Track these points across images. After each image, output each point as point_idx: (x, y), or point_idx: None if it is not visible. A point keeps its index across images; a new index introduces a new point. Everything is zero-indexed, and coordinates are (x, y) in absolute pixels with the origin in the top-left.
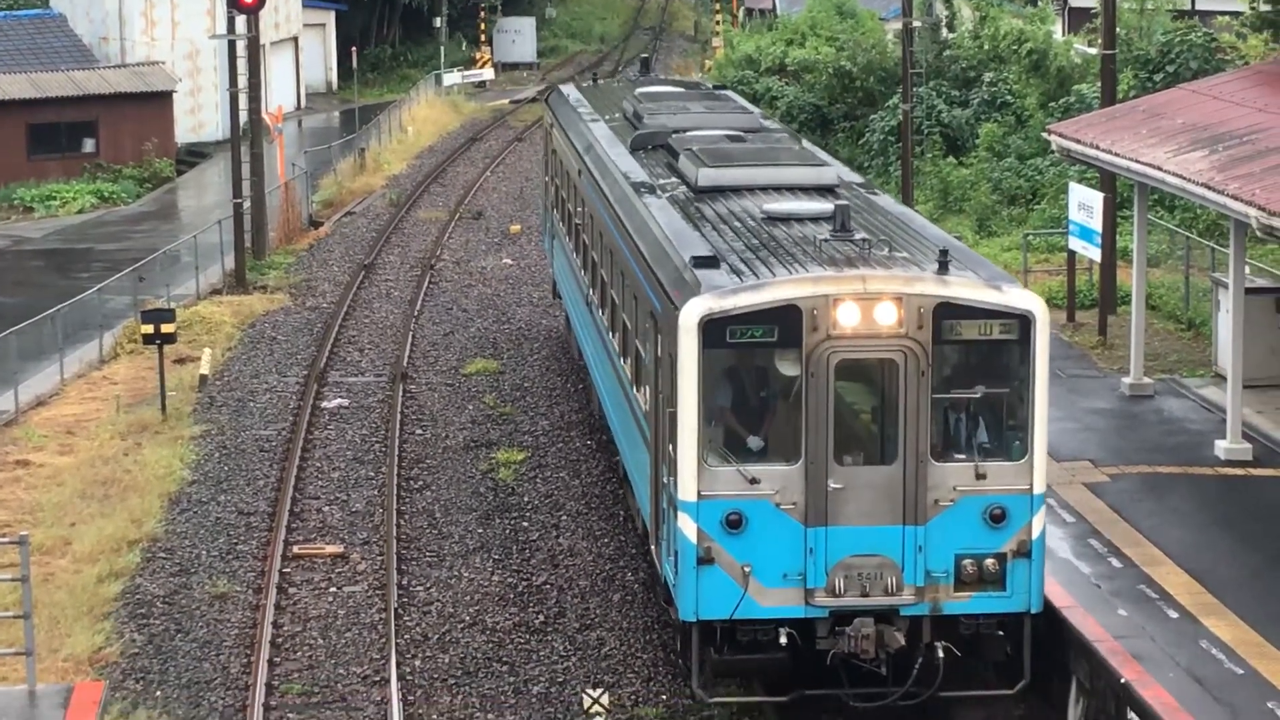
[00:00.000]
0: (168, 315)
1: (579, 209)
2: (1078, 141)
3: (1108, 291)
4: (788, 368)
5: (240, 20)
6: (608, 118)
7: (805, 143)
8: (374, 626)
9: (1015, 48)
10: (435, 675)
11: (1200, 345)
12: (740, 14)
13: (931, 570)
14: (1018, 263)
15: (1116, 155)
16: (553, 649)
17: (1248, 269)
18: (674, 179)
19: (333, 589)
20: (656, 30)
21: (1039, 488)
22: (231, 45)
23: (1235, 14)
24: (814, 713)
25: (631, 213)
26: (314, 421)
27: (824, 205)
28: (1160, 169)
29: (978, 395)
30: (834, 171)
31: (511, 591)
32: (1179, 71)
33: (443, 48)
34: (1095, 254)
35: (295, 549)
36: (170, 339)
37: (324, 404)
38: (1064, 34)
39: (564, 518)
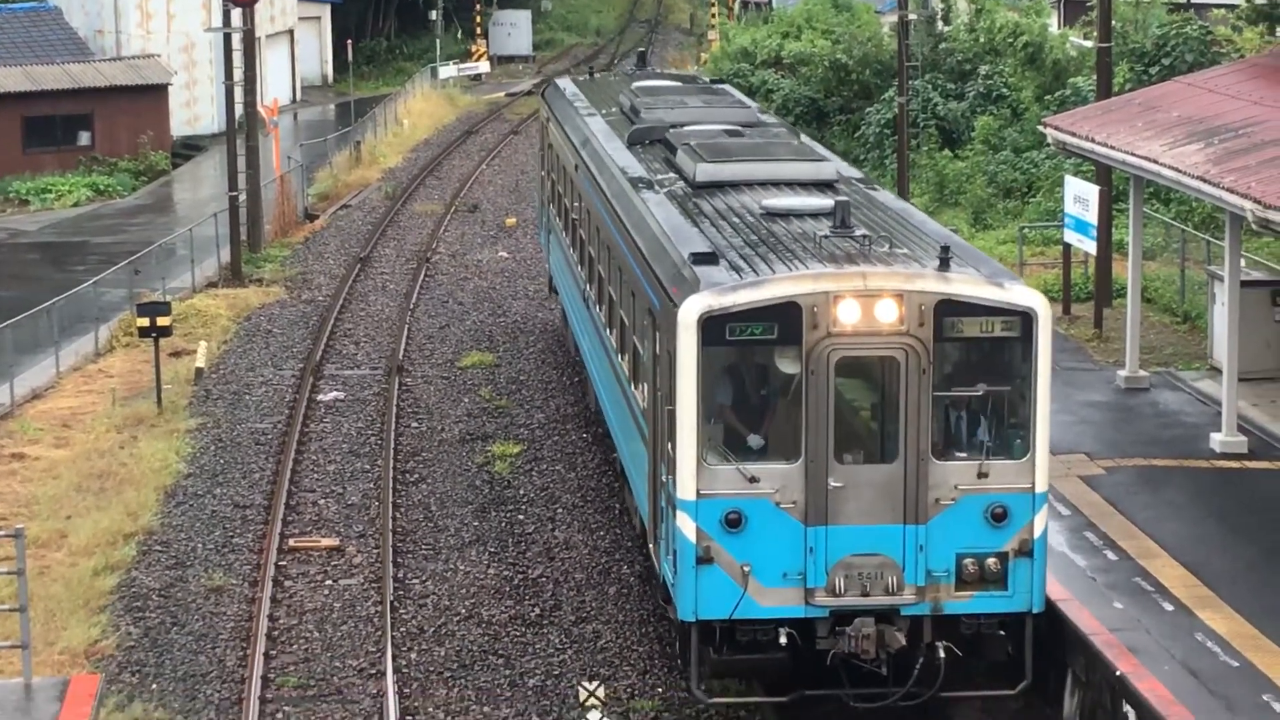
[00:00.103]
0: (163, 308)
1: (575, 204)
2: (1073, 134)
3: (1103, 284)
4: (788, 365)
5: (235, 13)
6: (604, 112)
7: (803, 137)
8: (370, 619)
9: (1011, 41)
10: (431, 668)
11: (1196, 338)
12: (736, 7)
13: (932, 569)
14: (1013, 256)
15: (1112, 148)
16: (548, 642)
17: (1243, 262)
18: (671, 174)
19: (328, 582)
20: (652, 23)
21: (1041, 486)
22: (227, 38)
23: (1231, 7)
24: (814, 713)
25: (629, 208)
26: (310, 414)
27: (823, 201)
28: (1156, 162)
29: (979, 393)
30: (833, 167)
31: (507, 584)
32: (1175, 64)
33: (438, 41)
34: (1091, 247)
35: (291, 542)
36: (166, 332)
37: (320, 397)
38: (1060, 27)
39: (560, 511)
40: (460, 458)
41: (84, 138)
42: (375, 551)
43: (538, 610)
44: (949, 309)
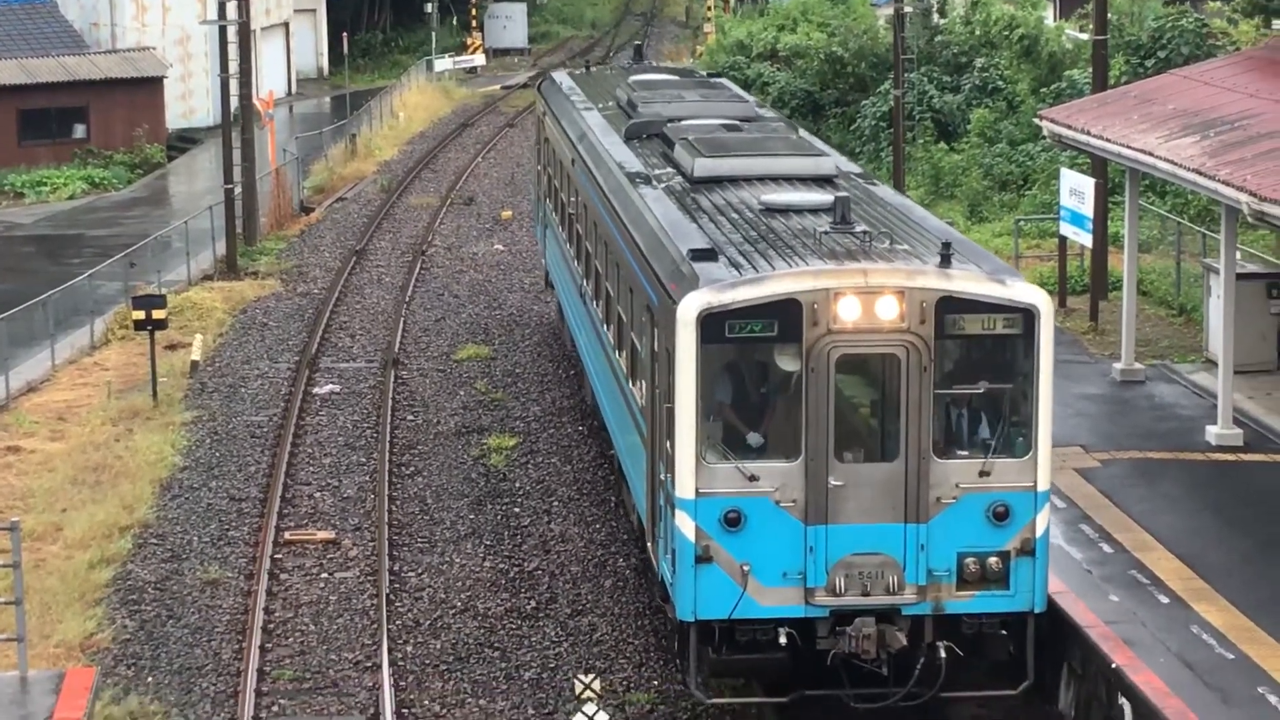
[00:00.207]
0: (159, 301)
1: (572, 199)
2: (1069, 127)
3: (1099, 277)
4: (788, 363)
5: (231, 6)
6: (601, 106)
7: (802, 131)
8: (365, 612)
9: (1007, 33)
10: (427, 661)
11: (1191, 331)
12: (732, 0)
13: (934, 569)
14: (1009, 248)
15: (1108, 141)
16: (544, 635)
17: (1239, 254)
18: (669, 169)
19: (324, 575)
20: (648, 16)
21: (1043, 485)
22: (222, 31)
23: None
24: (814, 713)
25: (627, 203)
26: (305, 407)
27: (823, 196)
28: (1152, 155)
29: (981, 391)
30: (832, 162)
31: (503, 577)
32: (1170, 57)
33: (434, 33)
34: (1087, 239)
35: (287, 535)
36: (161, 325)
37: (315, 390)
38: (1055, 19)
39: (555, 503)
40: (456, 451)
41: (79, 130)
42: (371, 544)
43: (533, 603)
44: (950, 306)
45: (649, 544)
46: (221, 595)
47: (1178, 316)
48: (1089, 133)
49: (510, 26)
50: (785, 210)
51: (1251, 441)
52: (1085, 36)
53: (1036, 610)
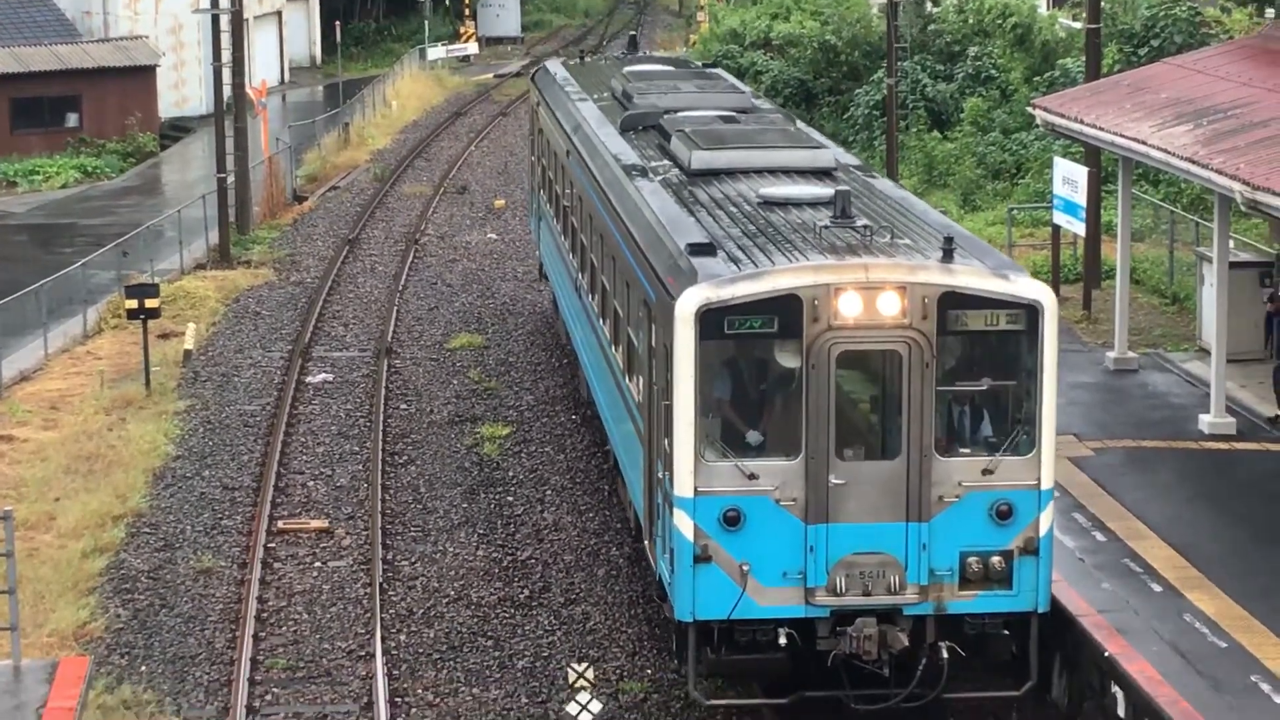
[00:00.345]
0: (152, 290)
1: (567, 191)
2: (1062, 116)
3: (1092, 266)
4: (788, 359)
5: None
6: (596, 97)
7: (799, 123)
8: (359, 601)
9: (1000, 22)
10: (420, 650)
11: (1184, 319)
12: None
13: (936, 568)
14: (1002, 237)
15: (1101, 130)
16: (538, 624)
17: (1232, 243)
18: (666, 161)
19: (318, 564)
20: (640, 4)
21: (1047, 483)
22: (215, 19)
23: None
24: (814, 715)
25: (623, 196)
26: (298, 396)
27: (823, 190)
28: (1145, 143)
29: (984, 388)
30: (831, 154)
31: (496, 566)
32: (1164, 46)
33: (427, 22)
34: (1080, 228)
35: (280, 524)
36: (154, 314)
37: (308, 379)
38: (1049, 8)
39: (549, 492)
40: (449, 440)
41: (72, 119)
42: (364, 533)
43: (527, 592)
44: (953, 301)
45: (646, 542)
46: (215, 584)
47: (1171, 305)
48: (1082, 121)
49: (503, 15)
50: (784, 204)
51: (1244, 430)
52: (1078, 25)
53: (1040, 610)
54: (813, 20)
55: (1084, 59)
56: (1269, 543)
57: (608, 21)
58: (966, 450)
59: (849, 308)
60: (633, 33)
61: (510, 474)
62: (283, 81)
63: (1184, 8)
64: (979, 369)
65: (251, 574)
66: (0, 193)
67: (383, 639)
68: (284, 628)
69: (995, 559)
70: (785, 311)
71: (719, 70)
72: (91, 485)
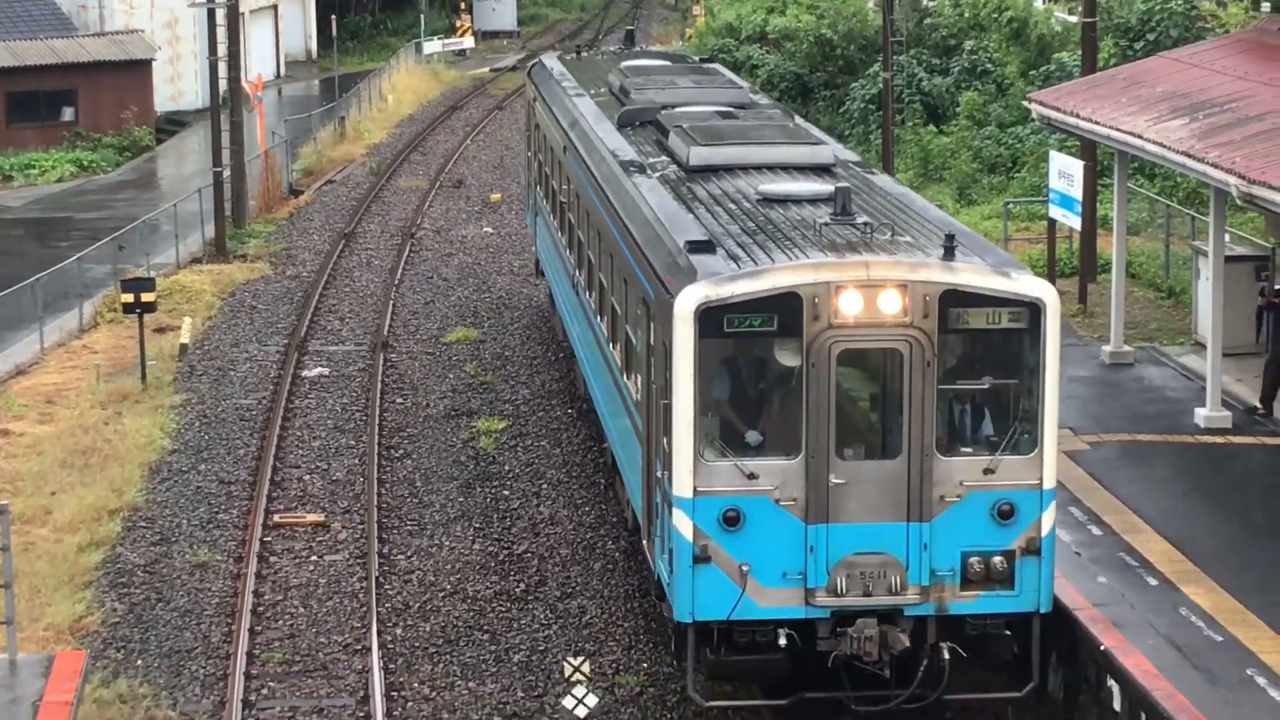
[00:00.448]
0: (148, 284)
1: (564, 186)
2: (1058, 110)
3: (1088, 259)
4: (788, 358)
5: None
6: (593, 92)
7: (797, 119)
8: (355, 595)
9: (996, 16)
10: (416, 644)
11: (1180, 313)
12: None
13: (937, 569)
14: (998, 231)
15: (1097, 123)
16: (534, 617)
17: (1227, 237)
18: (664, 157)
19: (314, 558)
20: None
21: (1049, 483)
22: (211, 13)
23: None
24: (815, 716)
25: (621, 193)
26: (294, 390)
27: (822, 186)
28: (1140, 137)
29: (985, 386)
30: (830, 150)
31: (492, 560)
32: (1159, 40)
33: (423, 16)
34: (1075, 222)
35: (276, 518)
36: (150, 308)
37: (304, 373)
38: (1044, 2)
39: (544, 486)
40: (445, 433)
41: (68, 113)
42: (360, 527)
43: (523, 586)
44: (954, 300)
45: (645, 542)
46: (211, 578)
47: (1166, 299)
48: (1078, 115)
49: (499, 9)
50: (784, 200)
51: (1240, 424)
52: (1074, 19)
53: (1042, 611)
54: (808, 14)
55: (1080, 53)
56: (1265, 536)
57: (603, 15)
58: (968, 449)
59: (849, 306)
60: (629, 28)
61: (506, 468)
62: (278, 75)
63: (1179, 2)
64: (980, 367)
65: (247, 568)
66: None
67: (379, 633)
68: (280, 622)
69: (997, 559)
70: (785, 310)
71: (716, 65)
72: (87, 479)
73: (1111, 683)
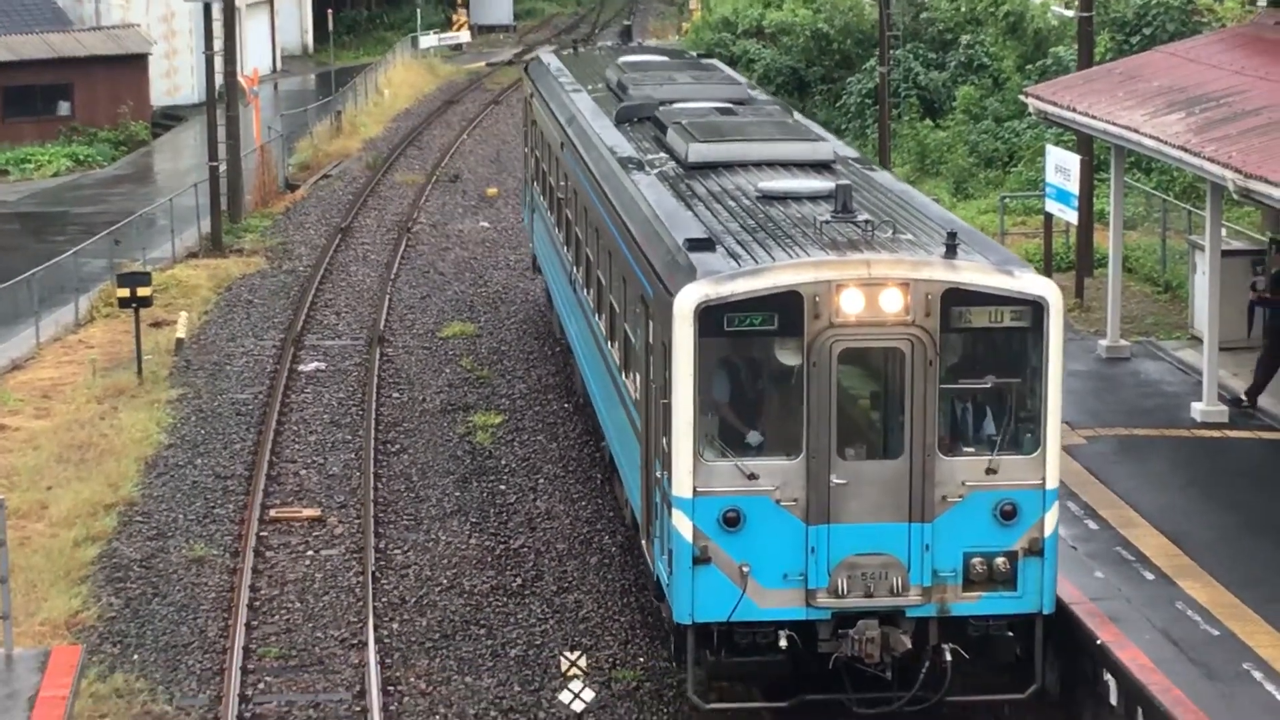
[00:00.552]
0: (144, 278)
1: (562, 183)
2: (1055, 104)
3: (1084, 254)
4: (788, 357)
5: None
6: (590, 88)
7: (797, 115)
8: (351, 590)
9: (992, 10)
10: (413, 638)
11: (1177, 307)
12: None
13: (939, 570)
14: (994, 225)
15: (1093, 118)
16: (530, 612)
17: (1224, 231)
18: (662, 154)
19: (310, 552)
20: None
21: (1052, 483)
22: (207, 8)
23: None
24: (815, 718)
25: (619, 189)
26: (291, 385)
27: (822, 183)
28: (1137, 131)
29: (988, 386)
30: (830, 147)
31: (489, 554)
32: (1156, 34)
33: (419, 10)
34: (1072, 216)
35: (272, 512)
36: (146, 302)
37: (301, 367)
38: None
39: (541, 481)
40: (442, 428)
41: (64, 108)
42: (357, 522)
43: (519, 580)
44: (957, 298)
45: (644, 542)
46: (207, 573)
47: (1163, 293)
48: (1074, 109)
49: (495, 3)
50: (784, 198)
51: (1236, 418)
52: (1071, 13)
53: (1045, 612)
54: (805, 8)
55: (1076, 47)
56: (1261, 531)
57: (599, 10)
58: (970, 449)
59: (851, 305)
60: (627, 22)
61: (503, 462)
62: (275, 70)
63: None
64: (983, 366)
65: (244, 562)
66: None
67: (375, 627)
68: (276, 616)
69: (999, 560)
70: (786, 308)
71: (714, 60)
72: (83, 474)
73: (1108, 677)
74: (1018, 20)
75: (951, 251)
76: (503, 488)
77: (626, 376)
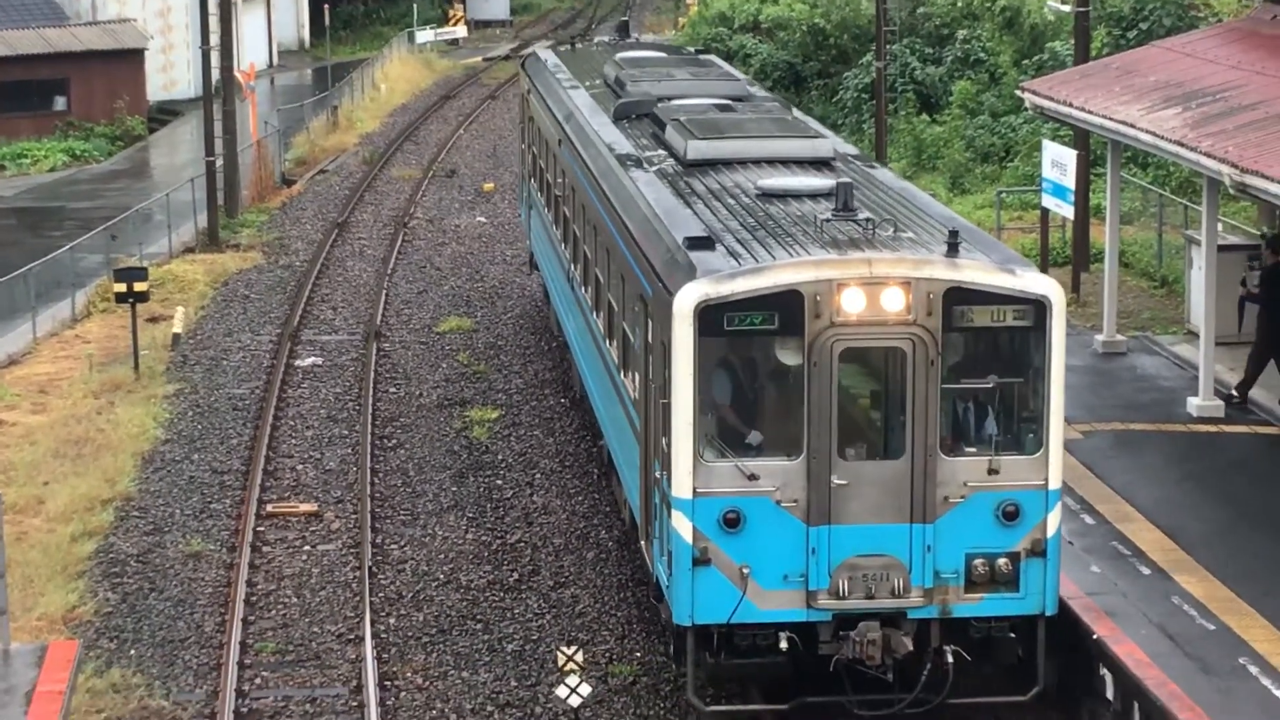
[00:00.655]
0: (140, 273)
1: (559, 180)
2: (1051, 99)
3: (1081, 249)
4: (789, 357)
5: None
6: (588, 85)
7: (796, 111)
8: (348, 585)
9: (989, 5)
10: (409, 633)
11: (1173, 302)
12: None
13: (941, 571)
14: (991, 220)
15: (1090, 113)
16: (527, 607)
17: (1220, 226)
18: (661, 151)
19: (307, 547)
20: None
21: (1055, 483)
22: (203, 2)
23: None
24: None
25: (617, 187)
26: (287, 380)
27: (822, 181)
28: (1133, 126)
29: (990, 385)
30: (829, 144)
31: (485, 549)
32: (1152, 29)
33: (416, 5)
34: (1068, 211)
35: (269, 507)
36: (143, 297)
37: (297, 362)
38: None
39: (538, 475)
40: (438, 423)
41: (60, 102)
42: (354, 517)
43: (516, 575)
44: (958, 297)
45: (643, 543)
46: (204, 568)
47: (1159, 288)
48: (1071, 105)
49: None
50: (784, 195)
51: (1232, 413)
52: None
53: (1048, 613)
54: (802, 3)
55: (1073, 42)
56: (1257, 525)
57: (596, 4)
58: (972, 449)
59: (852, 304)
60: (624, 18)
61: (499, 457)
62: (271, 65)
63: None
64: (985, 366)
65: (241, 557)
66: None
67: (372, 622)
68: (273, 611)
69: (1002, 561)
70: (786, 308)
71: (713, 56)
72: (80, 469)
73: (1104, 671)
74: (1014, 15)
75: (953, 250)
76: (499, 483)
77: (625, 376)
